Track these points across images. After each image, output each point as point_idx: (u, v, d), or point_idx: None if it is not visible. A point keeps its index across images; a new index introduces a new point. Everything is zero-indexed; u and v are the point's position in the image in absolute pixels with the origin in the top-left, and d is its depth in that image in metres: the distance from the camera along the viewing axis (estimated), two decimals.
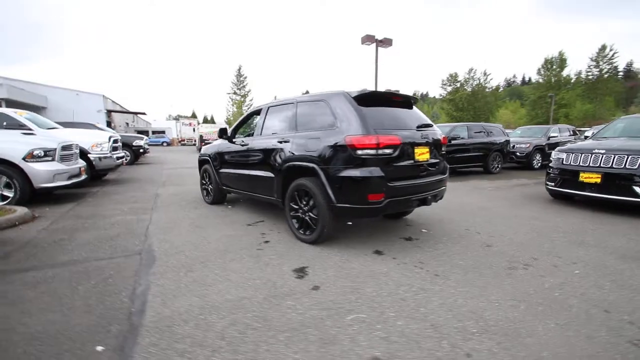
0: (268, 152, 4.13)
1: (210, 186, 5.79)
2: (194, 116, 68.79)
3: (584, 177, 5.09)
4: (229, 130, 5.13)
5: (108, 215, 5.02)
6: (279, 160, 3.92)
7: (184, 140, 39.96)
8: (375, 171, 3.10)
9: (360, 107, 3.28)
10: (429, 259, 3.20)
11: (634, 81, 47.95)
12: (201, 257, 3.27)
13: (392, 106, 3.62)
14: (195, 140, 39.35)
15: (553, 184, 5.68)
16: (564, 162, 5.50)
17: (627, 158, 4.68)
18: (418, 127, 3.59)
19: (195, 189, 7.48)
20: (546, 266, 3.02)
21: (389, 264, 3.06)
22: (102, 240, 3.81)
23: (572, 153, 5.40)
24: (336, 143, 3.23)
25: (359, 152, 3.09)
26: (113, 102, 30.70)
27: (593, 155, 5.06)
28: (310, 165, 3.44)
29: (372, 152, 3.07)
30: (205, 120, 65.07)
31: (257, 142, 4.41)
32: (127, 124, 34.91)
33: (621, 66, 57.07)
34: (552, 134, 12.07)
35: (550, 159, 5.88)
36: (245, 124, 5.26)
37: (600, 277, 2.78)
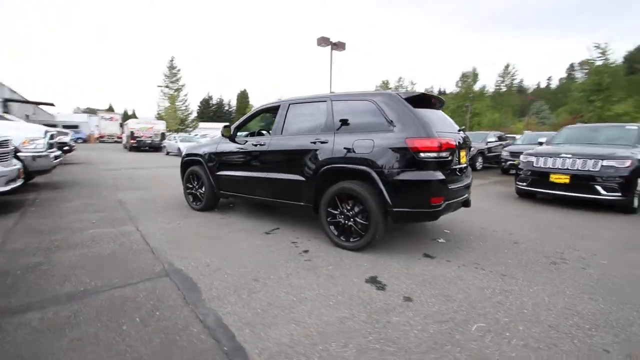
0: (297, 154, 3.79)
1: (199, 191, 5.11)
2: (110, 110, 60.83)
3: (554, 178, 5.84)
4: (232, 129, 4.58)
5: (77, 228, 4.06)
6: (313, 162, 3.62)
7: (103, 137, 35.05)
8: (438, 174, 3.07)
9: (415, 109, 3.21)
10: (478, 259, 3.27)
11: (531, 95, 57.27)
12: (248, 274, 2.82)
13: (431, 108, 3.63)
14: (119, 137, 34.91)
15: (524, 183, 6.40)
16: (534, 165, 6.23)
17: (590, 162, 5.50)
18: (458, 130, 3.68)
19: (165, 193, 6.59)
20: (576, 259, 3.34)
21: (451, 267, 3.04)
22: (97, 260, 3.05)
23: (542, 157, 6.15)
24: (395, 145, 3.10)
25: (422, 154, 3.01)
26: (11, 90, 25.42)
27: (561, 159, 5.84)
28: (361, 168, 3.24)
29: (434, 155, 3.02)
30: (127, 116, 58.17)
31: (279, 142, 4.01)
32: (27, 116, 29.16)
33: (528, 82, 67.67)
34: (489, 140, 13.68)
35: (519, 161, 6.62)
36: (249, 122, 4.77)
37: (625, 264, 3.17)
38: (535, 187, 6.21)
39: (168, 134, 26.04)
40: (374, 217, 3.20)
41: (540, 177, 6.08)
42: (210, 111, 68.30)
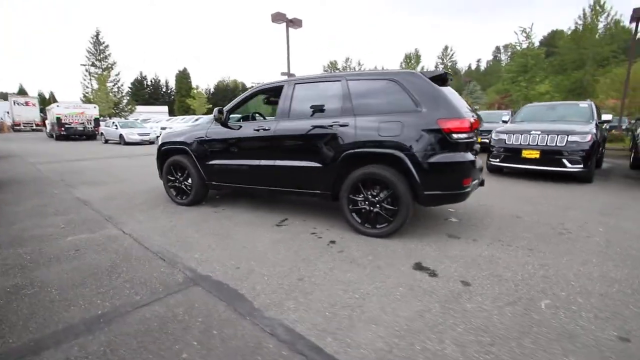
0: (312, 139, 3.50)
1: (185, 183, 4.56)
2: (22, 93, 51.89)
3: (526, 153, 6.32)
4: (224, 113, 4.08)
5: (45, 237, 3.37)
6: (331, 147, 3.38)
7: (18, 125, 30.01)
8: (469, 155, 3.05)
9: (441, 88, 3.12)
10: (499, 235, 3.38)
11: (467, 77, 61.52)
12: (287, 273, 2.57)
13: (446, 86, 3.57)
14: (38, 125, 30.24)
15: (497, 160, 6.84)
16: (506, 142, 6.67)
17: (557, 137, 6.03)
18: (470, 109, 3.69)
19: (132, 188, 5.84)
20: (577, 228, 3.63)
21: (481, 247, 3.09)
22: (97, 275, 2.54)
23: (513, 134, 6.60)
24: (426, 127, 3.00)
25: (455, 136, 2.95)
26: None
27: (531, 136, 6.32)
28: (391, 151, 3.10)
29: (465, 135, 2.99)
30: (44, 100, 50.24)
31: (287, 127, 3.66)
32: None
33: (461, 64, 72.18)
34: None
35: (491, 139, 7.04)
36: (244, 105, 4.29)
37: (617, 229, 3.53)
38: (508, 162, 6.68)
39: (103, 119, 23.12)
40: (405, 202, 3.11)
41: (513, 153, 6.54)
42: (145, 93, 61.94)
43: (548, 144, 6.10)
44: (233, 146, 4.08)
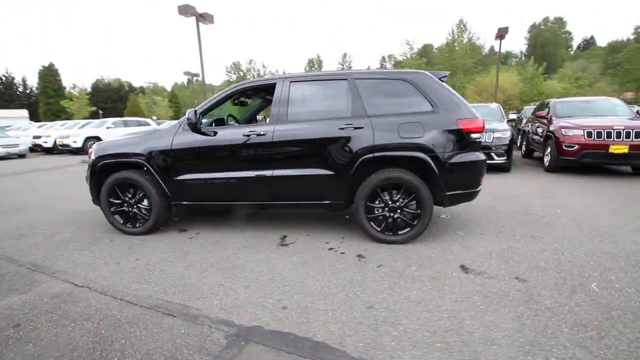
0: (320, 144, 3.11)
1: (140, 206, 3.56)
2: None
3: None
4: (197, 116, 3.30)
5: None
6: (345, 152, 3.06)
7: None
8: (483, 154, 3.15)
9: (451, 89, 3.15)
10: (496, 227, 3.60)
11: None
12: (349, 303, 2.18)
13: None
14: None
15: None
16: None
17: (486, 134, 6.93)
18: None
19: (43, 219, 4.38)
20: (543, 213, 4.14)
21: (493, 240, 3.22)
22: (90, 352, 1.70)
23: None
24: (446, 127, 2.97)
25: (472, 135, 3.01)
26: None
27: None
28: (414, 154, 2.97)
29: (478, 135, 3.07)
30: None
31: (288, 131, 3.15)
32: None
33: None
34: None
35: None
36: (218, 107, 3.54)
37: (573, 210, 4.18)
38: None
39: None
40: (428, 205, 3.04)
41: None
42: None
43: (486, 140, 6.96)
44: (214, 156, 3.35)
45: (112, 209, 3.61)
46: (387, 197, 3.12)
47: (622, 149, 5.91)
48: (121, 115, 31.97)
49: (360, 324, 1.95)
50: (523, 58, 63.34)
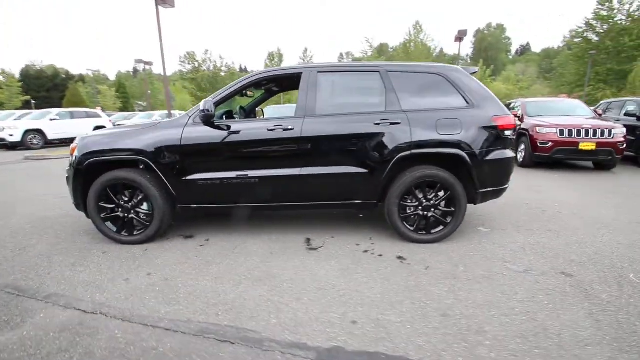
0: (354, 140, 2.90)
1: (138, 210, 3.07)
2: None
3: None
4: (210, 108, 2.89)
5: None
6: (380, 149, 2.89)
7: None
8: (513, 151, 3.16)
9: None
10: (511, 222, 3.69)
11: None
12: (420, 312, 2.03)
13: None
14: None
15: None
16: None
17: None
18: None
19: (15, 221, 3.59)
20: (543, 206, 4.35)
21: (517, 236, 3.28)
22: None
23: None
24: (483, 124, 2.92)
25: (506, 132, 3.00)
26: None
27: None
28: (452, 151, 2.88)
29: (510, 132, 3.08)
30: None
31: (319, 125, 2.88)
32: None
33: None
34: None
35: None
36: (231, 98, 3.14)
37: (561, 202, 4.44)
38: None
39: None
40: (463, 203, 2.99)
41: None
42: None
43: None
44: (232, 153, 2.98)
45: (102, 215, 3.07)
46: (421, 196, 3.01)
47: (591, 146, 6.46)
48: (58, 106, 28.45)
49: (447, 335, 1.80)
50: (469, 61, 68.07)
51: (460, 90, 3.00)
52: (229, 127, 2.98)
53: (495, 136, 2.97)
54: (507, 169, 3.10)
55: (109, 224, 3.11)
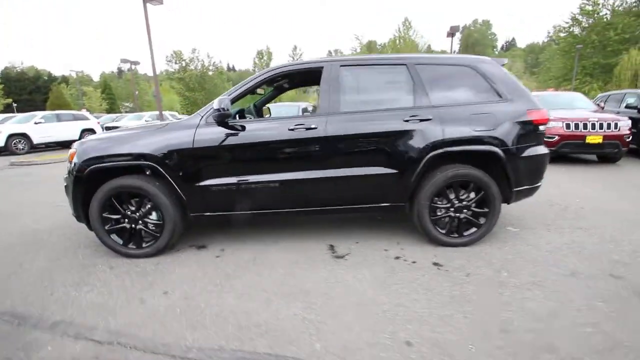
0: (382, 138, 2.69)
1: (147, 220, 2.81)
2: None
3: None
4: (227, 106, 2.64)
5: None
6: (411, 147, 2.69)
7: None
8: (546, 146, 3.00)
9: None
10: (538, 221, 3.54)
11: None
12: (479, 331, 1.84)
13: None
14: None
15: None
16: None
17: None
18: None
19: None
20: (565, 202, 4.23)
21: (546, 236, 3.13)
22: None
23: None
24: (518, 119, 2.75)
25: (540, 127, 2.83)
26: None
27: None
28: (488, 148, 2.70)
29: (544, 127, 2.92)
30: None
31: (344, 123, 2.67)
32: None
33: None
34: None
35: None
36: (247, 95, 2.90)
37: (583, 198, 4.33)
38: None
39: None
40: (497, 203, 2.81)
41: None
42: None
43: None
44: (251, 156, 2.74)
45: (107, 227, 2.79)
46: (452, 196, 2.83)
47: (597, 139, 6.41)
48: (42, 108, 27.44)
49: (516, 356, 1.61)
50: None
51: (492, 83, 2.82)
52: (244, 128, 2.74)
53: (530, 131, 2.81)
54: (542, 166, 2.94)
55: (114, 236, 2.83)
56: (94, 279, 2.50)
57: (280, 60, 60.42)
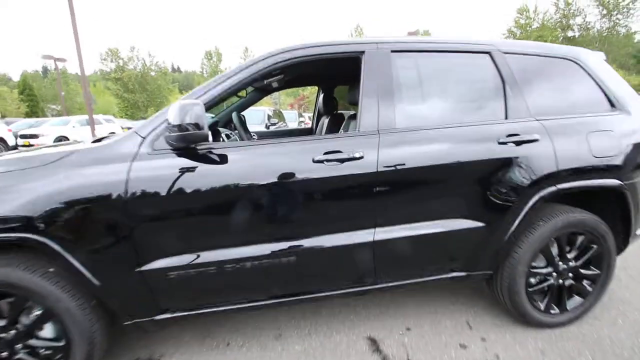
0: (465, 173, 1.62)
1: (34, 341, 1.41)
2: None
3: None
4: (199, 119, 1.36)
5: None
6: (511, 184, 1.65)
7: None
8: None
9: None
10: None
11: None
12: None
13: None
14: None
15: None
16: None
17: None
18: None
19: None
20: None
21: None
22: None
23: None
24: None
25: None
26: None
27: None
28: (612, 183, 1.77)
29: None
30: None
31: (409, 149, 1.55)
32: None
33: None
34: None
35: None
36: (231, 96, 1.63)
37: None
38: None
39: None
40: (613, 259, 1.91)
41: None
42: None
43: None
44: (243, 212, 1.47)
45: None
46: (557, 255, 1.86)
47: None
48: None
49: None
50: None
51: (602, 84, 1.90)
52: (226, 159, 1.48)
53: None
54: None
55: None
56: None
57: (231, 62, 57.75)
